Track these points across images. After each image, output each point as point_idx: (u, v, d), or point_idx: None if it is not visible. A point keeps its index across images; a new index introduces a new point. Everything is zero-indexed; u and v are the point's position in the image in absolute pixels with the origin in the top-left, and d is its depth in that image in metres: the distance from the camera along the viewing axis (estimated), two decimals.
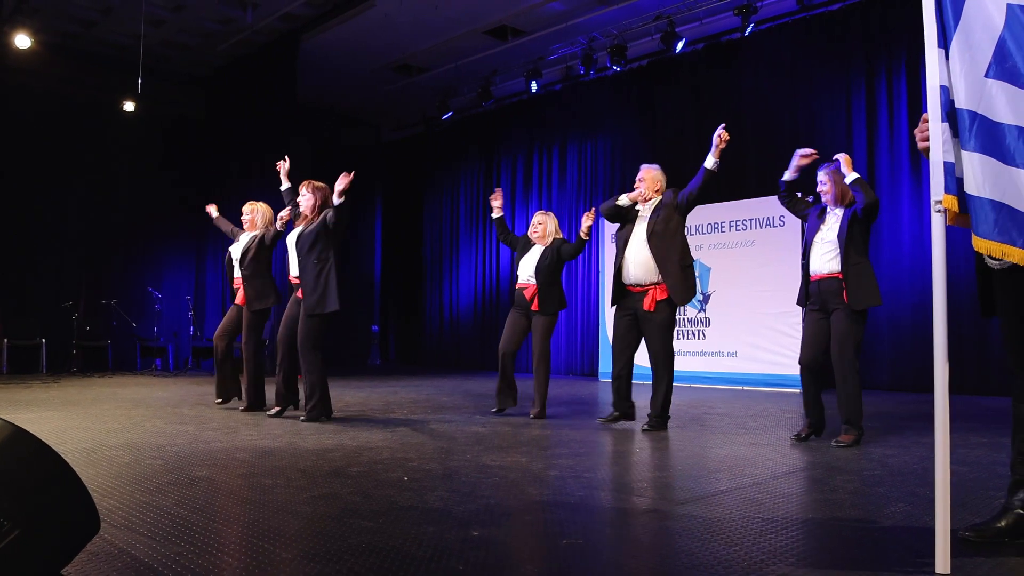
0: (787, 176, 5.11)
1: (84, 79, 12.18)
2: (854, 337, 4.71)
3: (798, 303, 5.06)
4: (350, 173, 5.70)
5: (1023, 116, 1.95)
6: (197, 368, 12.34)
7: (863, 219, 4.73)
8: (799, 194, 5.19)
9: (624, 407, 5.60)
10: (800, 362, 4.93)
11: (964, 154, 2.06)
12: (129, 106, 11.75)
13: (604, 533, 2.69)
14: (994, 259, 2.48)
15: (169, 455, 4.17)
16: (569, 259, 6.29)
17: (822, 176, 4.92)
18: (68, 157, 12.11)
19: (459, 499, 3.10)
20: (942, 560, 2.12)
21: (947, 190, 2.09)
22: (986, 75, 2.02)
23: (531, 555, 2.43)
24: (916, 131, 2.38)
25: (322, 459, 4.06)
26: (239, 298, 6.52)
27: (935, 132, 2.12)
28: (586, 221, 6.16)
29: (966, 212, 2.09)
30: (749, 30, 9.85)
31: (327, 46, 11.79)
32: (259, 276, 6.51)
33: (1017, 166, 1.93)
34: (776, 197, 5.33)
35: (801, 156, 5.02)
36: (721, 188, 9.98)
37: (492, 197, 6.69)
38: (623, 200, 5.63)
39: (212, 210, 7.30)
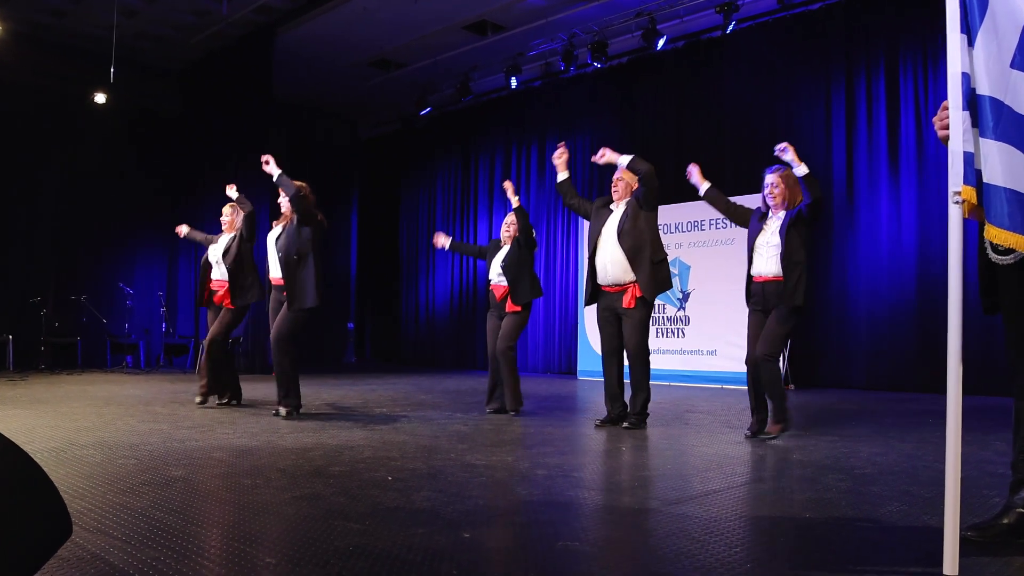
0: (703, 192, 5.25)
1: (55, 70, 11.88)
2: (782, 335, 4.80)
3: (746, 302, 5.07)
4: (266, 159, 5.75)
5: None
6: (169, 365, 12.11)
7: (808, 218, 4.74)
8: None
9: (618, 408, 5.53)
10: (747, 361, 4.92)
11: (984, 142, 2.00)
12: (100, 98, 11.51)
13: (599, 534, 2.61)
14: (998, 254, 2.43)
15: (143, 454, 4.03)
16: (527, 239, 6.19)
17: (773, 179, 4.89)
18: (37, 149, 11.82)
19: (447, 499, 3.01)
20: (950, 561, 2.06)
21: (966, 181, 2.02)
22: (1011, 65, 1.96)
23: (526, 558, 2.34)
24: (935, 119, 2.31)
25: (302, 458, 3.95)
26: (218, 299, 6.37)
27: (955, 120, 2.05)
28: (508, 190, 6.30)
29: (981, 204, 2.02)
30: (731, 28, 9.82)
31: (304, 40, 11.61)
32: (243, 272, 6.40)
33: None
34: (751, 197, 5.32)
35: (692, 175, 5.24)
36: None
37: (434, 240, 6.70)
38: (559, 176, 5.79)
39: (181, 230, 7.11)
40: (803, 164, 4.67)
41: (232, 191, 6.55)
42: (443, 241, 6.67)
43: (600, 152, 5.44)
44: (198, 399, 6.38)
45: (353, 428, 5.18)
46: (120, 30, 10.87)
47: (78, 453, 4.04)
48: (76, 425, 5.16)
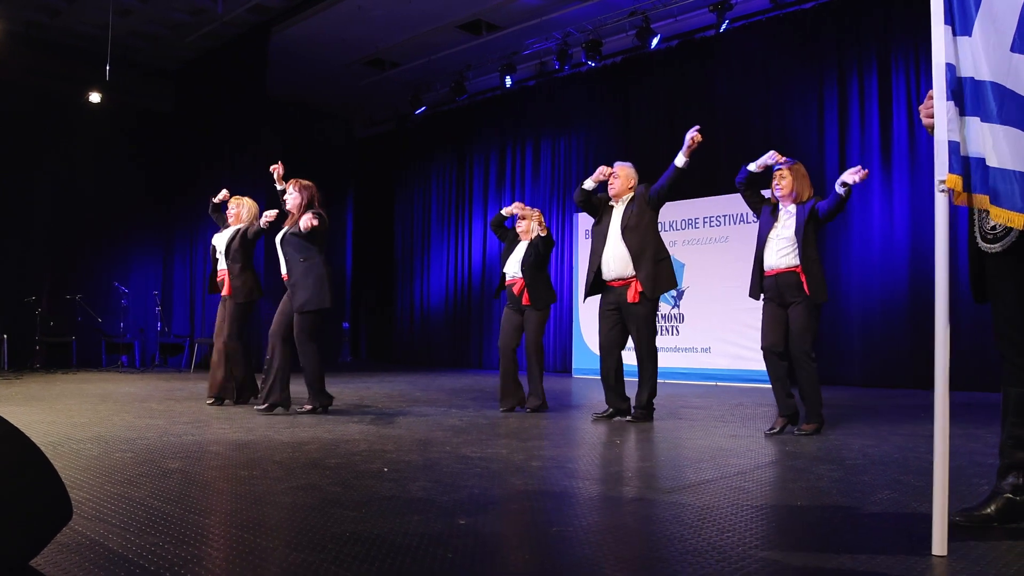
0: (753, 167, 5.07)
1: (49, 69, 11.89)
2: (812, 330, 4.78)
3: (751, 295, 5.06)
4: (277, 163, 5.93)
5: None
6: (164, 365, 12.12)
7: (822, 220, 4.79)
8: (764, 193, 5.22)
9: (618, 403, 5.58)
10: (763, 347, 4.93)
11: (987, 127, 2.02)
12: (95, 97, 11.51)
13: (593, 521, 2.64)
14: (987, 242, 2.47)
15: (139, 448, 4.05)
16: (545, 252, 6.21)
17: (783, 171, 4.94)
18: (32, 148, 11.83)
19: (442, 489, 3.04)
20: (939, 542, 2.10)
21: (951, 170, 2.05)
22: (1012, 49, 1.98)
23: (521, 543, 2.37)
24: (921, 107, 2.35)
25: (298, 451, 3.97)
26: (224, 288, 6.41)
27: (940, 110, 2.08)
28: (517, 210, 6.30)
29: (971, 191, 2.05)
30: (724, 27, 9.87)
31: (298, 39, 11.63)
32: (243, 270, 6.45)
33: None
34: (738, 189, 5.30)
35: (773, 157, 5.00)
36: (695, 185, 9.99)
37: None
38: (588, 184, 5.71)
39: (222, 194, 6.84)
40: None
41: (278, 178, 6.31)
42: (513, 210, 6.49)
43: (696, 136, 5.29)
44: (209, 400, 6.41)
45: (348, 423, 5.20)
46: (115, 29, 10.88)
47: (75, 447, 4.06)
48: (72, 421, 5.17)
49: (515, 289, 6.20)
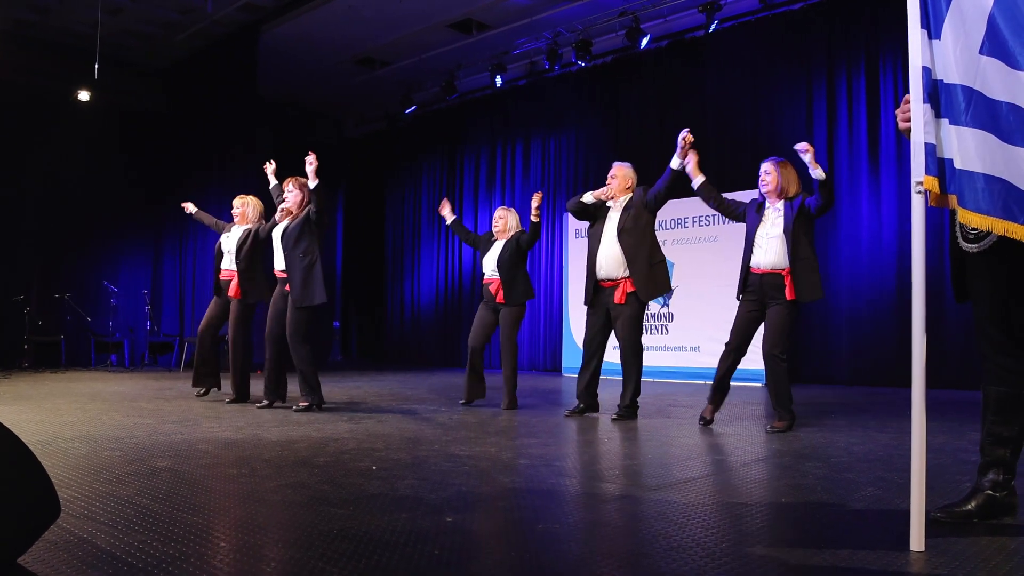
0: (675, 164, 5.26)
1: (39, 68, 11.80)
2: (788, 330, 4.81)
3: (737, 297, 5.05)
4: (311, 155, 5.88)
5: (1015, 94, 1.95)
6: (154, 364, 12.08)
7: (815, 214, 4.78)
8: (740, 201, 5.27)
9: (588, 399, 5.63)
10: (728, 345, 5.00)
11: (956, 129, 2.06)
12: (85, 96, 11.46)
13: (579, 518, 2.67)
14: (968, 242, 2.50)
15: (128, 447, 4.05)
16: (528, 247, 6.24)
17: (767, 167, 4.94)
18: (21, 147, 11.74)
19: (430, 487, 3.05)
20: (917, 538, 2.14)
21: (928, 171, 2.08)
22: (980, 52, 2.02)
23: (507, 540, 2.39)
24: (898, 111, 2.38)
25: (287, 450, 3.98)
26: (231, 290, 6.40)
27: (916, 113, 2.11)
28: (534, 202, 6.09)
29: (946, 192, 2.09)
30: (713, 27, 9.91)
31: (289, 38, 11.61)
32: (254, 269, 6.48)
33: (1015, 144, 1.93)
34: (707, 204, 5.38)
35: (683, 140, 5.21)
36: (684, 184, 10.04)
37: (441, 207, 6.79)
38: (587, 198, 5.69)
39: (189, 207, 7.13)
40: (819, 168, 4.67)
41: (271, 174, 6.58)
42: (448, 212, 6.72)
43: (688, 137, 5.31)
44: (229, 399, 6.46)
45: (338, 422, 5.21)
46: (104, 28, 10.82)
47: (63, 446, 4.06)
48: (61, 420, 5.17)
49: (491, 288, 6.24)
